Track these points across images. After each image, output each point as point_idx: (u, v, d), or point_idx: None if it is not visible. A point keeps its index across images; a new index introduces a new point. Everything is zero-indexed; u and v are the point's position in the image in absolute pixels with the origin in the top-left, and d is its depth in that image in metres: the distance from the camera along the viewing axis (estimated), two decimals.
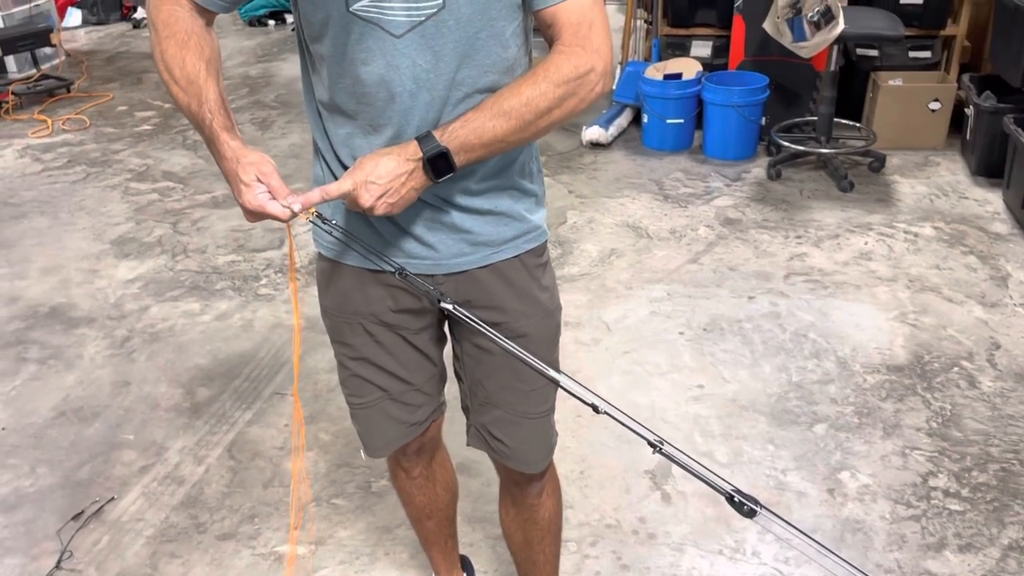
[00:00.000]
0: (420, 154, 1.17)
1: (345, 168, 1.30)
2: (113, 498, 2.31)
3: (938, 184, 3.89)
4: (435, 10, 1.16)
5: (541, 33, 1.25)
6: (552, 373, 1.14)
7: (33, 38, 5.59)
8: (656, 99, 4.26)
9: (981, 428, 2.42)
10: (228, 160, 1.21)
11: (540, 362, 1.20)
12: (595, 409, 0.90)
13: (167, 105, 5.37)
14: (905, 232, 3.49)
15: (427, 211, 1.31)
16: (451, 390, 1.59)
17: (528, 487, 1.62)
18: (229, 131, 1.23)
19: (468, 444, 1.58)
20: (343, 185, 1.19)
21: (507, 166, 1.33)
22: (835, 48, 3.78)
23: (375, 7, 1.16)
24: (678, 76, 4.26)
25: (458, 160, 1.18)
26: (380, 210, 1.19)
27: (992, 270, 3.19)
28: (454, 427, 1.71)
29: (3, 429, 2.59)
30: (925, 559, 2.02)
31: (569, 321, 2.95)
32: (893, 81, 4.13)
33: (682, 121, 4.29)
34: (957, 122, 4.14)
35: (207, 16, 1.29)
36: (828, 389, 2.59)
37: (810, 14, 3.65)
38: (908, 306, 2.99)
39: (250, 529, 2.20)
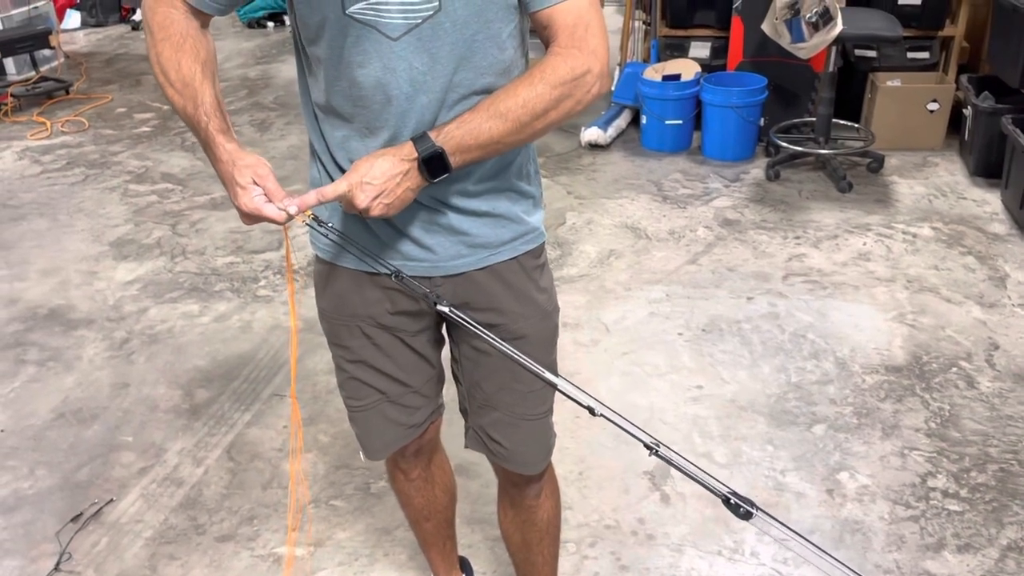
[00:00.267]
0: (415, 155, 1.17)
1: (342, 171, 1.30)
2: (112, 500, 2.31)
3: (936, 185, 3.89)
4: (431, 12, 1.16)
5: (537, 35, 1.25)
6: (548, 375, 1.14)
7: (32, 40, 5.59)
8: (655, 100, 4.26)
9: (980, 428, 2.42)
10: (224, 163, 1.21)
11: (536, 364, 1.19)
12: (591, 411, 0.90)
13: (166, 107, 5.37)
14: (904, 233, 3.49)
15: (424, 213, 1.31)
16: (449, 392, 1.59)
17: (526, 489, 1.62)
18: (225, 134, 1.23)
19: (466, 446, 1.58)
20: (339, 187, 1.18)
21: (504, 168, 1.33)
22: (833, 49, 3.78)
23: (372, 10, 1.16)
24: (677, 77, 4.26)
25: (454, 161, 1.18)
26: (376, 211, 1.18)
27: (990, 270, 3.19)
28: (452, 429, 1.71)
29: (2, 431, 2.59)
30: (924, 559, 2.02)
31: (568, 322, 2.95)
32: (891, 82, 4.14)
33: (681, 122, 4.29)
34: (955, 123, 4.14)
35: (202, 18, 1.29)
36: (827, 390, 2.60)
37: (808, 15, 3.66)
38: (907, 306, 2.99)
39: (249, 531, 2.20)
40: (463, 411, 1.57)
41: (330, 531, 2.19)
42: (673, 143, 4.34)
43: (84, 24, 7.49)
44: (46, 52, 5.92)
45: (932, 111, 4.13)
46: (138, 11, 7.51)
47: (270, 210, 1.18)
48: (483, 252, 1.36)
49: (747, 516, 0.77)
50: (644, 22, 4.94)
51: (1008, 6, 3.66)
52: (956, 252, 3.33)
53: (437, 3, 1.15)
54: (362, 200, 1.17)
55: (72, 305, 3.25)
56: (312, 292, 1.51)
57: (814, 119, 4.10)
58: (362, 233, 1.34)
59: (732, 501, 0.77)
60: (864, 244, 3.42)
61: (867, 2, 4.08)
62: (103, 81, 5.95)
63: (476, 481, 2.28)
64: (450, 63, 1.20)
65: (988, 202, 3.70)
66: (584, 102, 1.21)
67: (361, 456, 1.62)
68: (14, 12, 5.86)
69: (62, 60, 6.13)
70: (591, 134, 4.39)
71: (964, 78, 4.06)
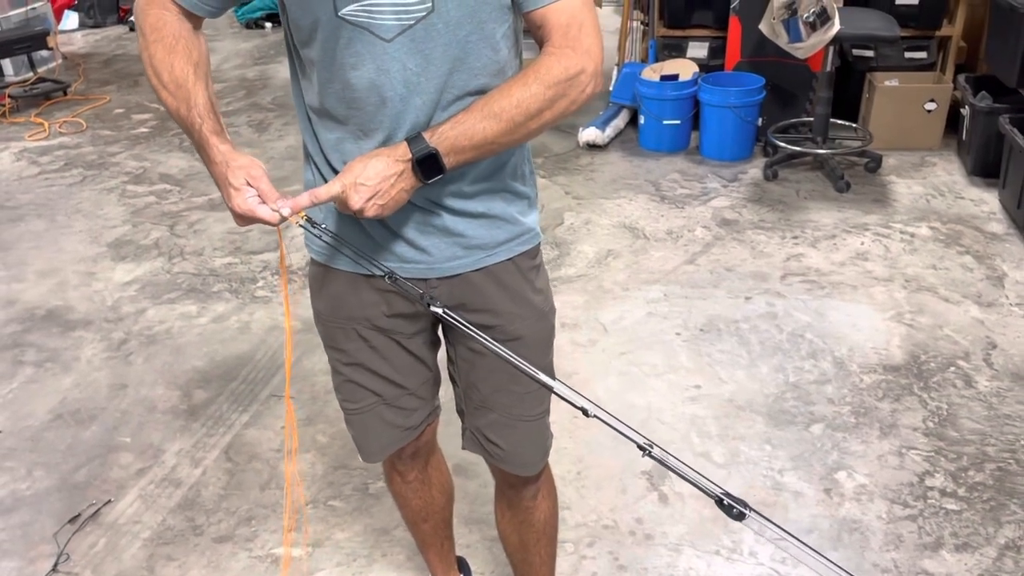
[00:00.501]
0: (409, 155, 1.17)
1: (336, 173, 1.29)
2: (110, 501, 2.31)
3: (934, 184, 3.90)
4: (424, 14, 1.15)
5: (532, 35, 1.25)
6: (542, 377, 1.13)
7: (30, 41, 5.58)
8: (653, 100, 4.26)
9: (977, 428, 2.42)
10: (218, 164, 1.21)
11: (531, 366, 1.19)
12: (585, 413, 0.89)
13: (163, 108, 5.36)
14: (901, 232, 3.50)
15: (419, 215, 1.31)
16: (446, 392, 1.59)
17: (523, 490, 1.61)
18: (219, 135, 1.22)
19: (463, 448, 1.58)
20: (332, 188, 1.18)
21: (499, 168, 1.33)
22: (831, 49, 3.78)
23: (364, 11, 1.15)
24: (675, 77, 4.26)
25: (448, 161, 1.18)
26: (370, 212, 1.18)
27: (988, 270, 3.20)
28: (450, 429, 1.71)
29: (0, 432, 2.59)
30: (922, 559, 2.03)
31: (566, 322, 2.95)
32: (889, 82, 4.14)
33: (679, 122, 4.29)
34: (953, 122, 4.15)
35: (194, 21, 1.29)
36: (825, 389, 2.60)
37: (806, 15, 3.66)
38: (904, 306, 3.00)
39: (247, 531, 2.20)
40: (460, 412, 1.57)
41: (328, 531, 2.19)
42: (671, 143, 4.34)
43: (82, 25, 7.49)
44: (44, 53, 5.92)
45: (930, 111, 4.13)
46: None
47: (263, 211, 1.18)
48: (479, 253, 1.35)
49: (740, 517, 0.77)
50: (642, 22, 4.94)
51: (1005, 6, 3.66)
52: (954, 251, 3.33)
53: (430, 4, 1.15)
54: (356, 201, 1.17)
55: (70, 306, 3.25)
56: (309, 292, 1.51)
57: (812, 119, 4.11)
58: (357, 235, 1.34)
59: (725, 502, 0.77)
60: (862, 244, 3.42)
61: (864, 2, 4.08)
62: (101, 82, 5.95)
63: (474, 481, 2.28)
64: (444, 64, 1.19)
65: (986, 201, 3.71)
66: (579, 102, 1.21)
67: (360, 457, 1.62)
68: (12, 13, 5.86)
69: (60, 61, 6.13)
70: (589, 134, 4.39)
71: (962, 78, 4.06)
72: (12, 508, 2.30)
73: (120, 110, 5.38)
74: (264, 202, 1.19)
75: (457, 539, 1.99)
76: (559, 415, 1.58)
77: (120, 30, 7.42)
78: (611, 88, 4.68)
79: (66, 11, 7.37)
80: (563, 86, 1.18)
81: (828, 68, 3.85)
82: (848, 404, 2.53)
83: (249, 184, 1.18)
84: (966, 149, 3.99)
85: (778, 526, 0.75)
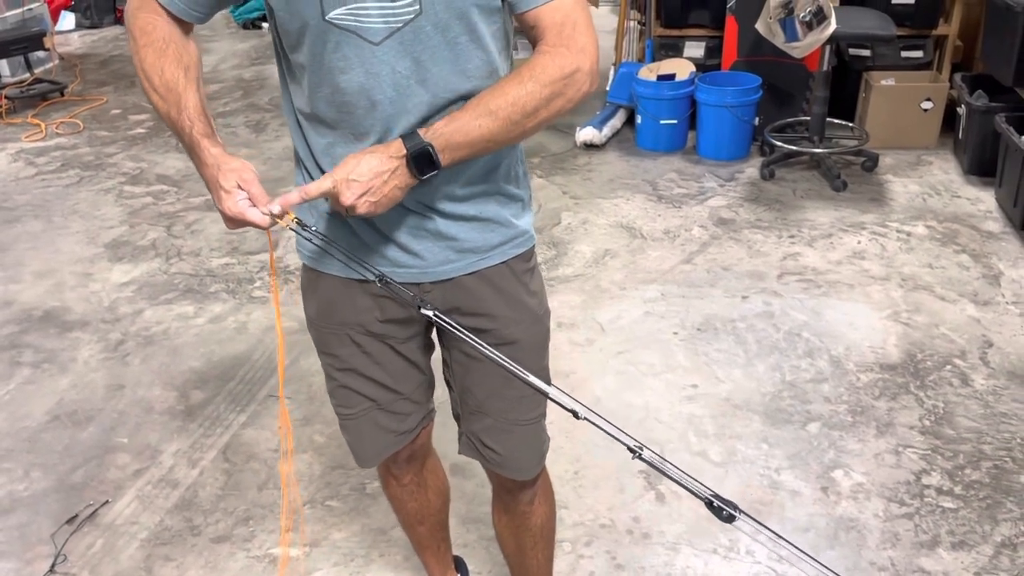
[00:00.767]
0: (404, 151, 1.15)
1: None
2: (107, 501, 2.31)
3: (930, 183, 3.90)
4: (412, 16, 1.14)
5: (525, 35, 1.24)
6: (532, 379, 1.11)
7: (26, 42, 5.58)
8: (650, 100, 4.26)
9: (974, 426, 2.43)
10: (209, 167, 1.20)
11: (524, 370, 1.16)
12: (575, 415, 0.89)
13: (155, 111, 5.36)
14: (898, 231, 3.50)
15: (411, 218, 1.30)
16: (442, 394, 1.59)
17: (520, 494, 1.60)
18: (210, 138, 1.21)
19: (460, 452, 1.57)
20: (323, 184, 1.16)
21: (492, 171, 1.32)
22: (827, 48, 3.79)
23: (351, 15, 1.14)
24: (671, 77, 4.27)
25: (443, 158, 1.16)
26: (362, 209, 1.16)
27: (984, 268, 3.20)
28: (446, 430, 1.71)
29: None
30: (919, 557, 2.03)
31: (563, 322, 2.96)
32: (885, 81, 4.15)
33: (675, 122, 4.29)
34: (949, 121, 4.15)
35: (184, 26, 1.28)
36: (822, 388, 2.60)
37: (802, 14, 3.66)
38: (901, 305, 3.00)
39: (244, 531, 2.20)
40: (456, 416, 1.57)
41: (326, 531, 2.19)
42: (668, 143, 4.34)
43: (79, 26, 7.48)
44: (40, 54, 5.92)
45: (926, 110, 4.14)
46: None
47: (254, 215, 1.17)
48: (472, 257, 1.34)
49: (730, 519, 0.77)
50: (639, 22, 4.94)
51: (1001, 5, 3.66)
52: (950, 250, 3.34)
53: (417, 7, 1.14)
54: (348, 197, 1.15)
55: (67, 307, 3.24)
56: (302, 297, 1.50)
57: (808, 118, 4.11)
58: (348, 239, 1.32)
59: (715, 504, 0.77)
60: (858, 243, 3.43)
61: (861, 1, 4.09)
62: (98, 83, 5.95)
63: (471, 481, 2.28)
64: (434, 66, 1.19)
65: (982, 200, 3.71)
66: (575, 100, 1.20)
67: None
68: (8, 14, 5.85)
69: (57, 62, 6.12)
70: (586, 134, 4.40)
71: (958, 77, 4.07)
72: (9, 509, 2.30)
73: (117, 111, 5.38)
74: (255, 205, 1.17)
75: (454, 539, 1.99)
76: (556, 415, 1.58)
77: (117, 31, 7.42)
78: (608, 88, 4.69)
79: (63, 12, 7.37)
80: (559, 84, 1.17)
81: (824, 67, 3.86)
82: (845, 403, 2.53)
83: (240, 187, 1.17)
84: (962, 148, 4.00)
85: (767, 528, 0.75)
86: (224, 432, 2.54)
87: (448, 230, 1.31)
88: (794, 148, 4.03)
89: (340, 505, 2.27)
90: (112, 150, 4.75)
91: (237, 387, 2.74)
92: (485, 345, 1.17)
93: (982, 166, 3.84)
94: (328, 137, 1.27)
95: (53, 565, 2.11)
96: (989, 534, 2.08)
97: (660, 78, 4.27)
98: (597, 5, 6.14)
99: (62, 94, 5.59)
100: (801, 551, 0.77)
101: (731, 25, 4.26)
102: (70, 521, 2.24)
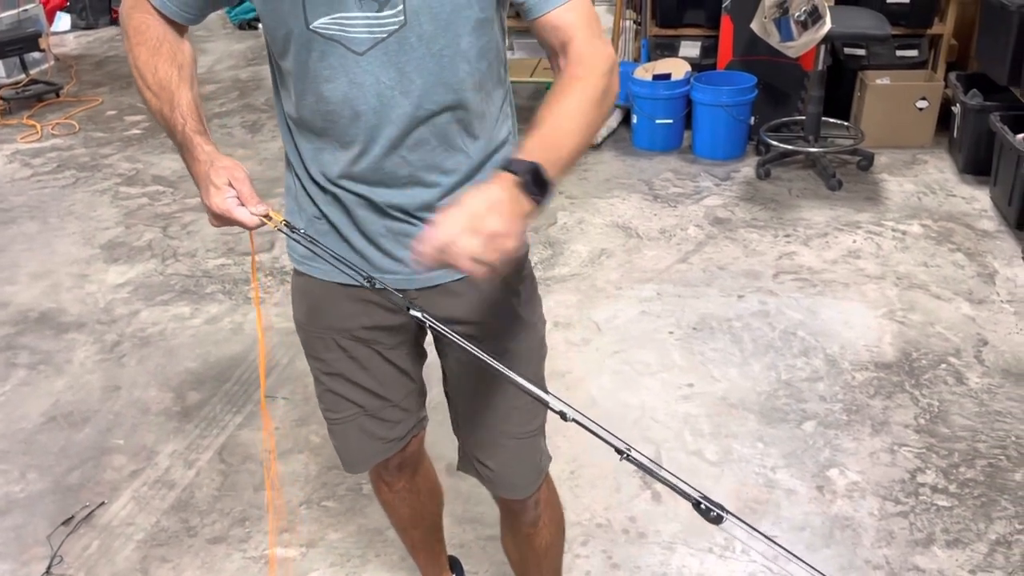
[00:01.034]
0: (514, 177, 1.01)
1: (316, 183, 1.28)
2: (103, 503, 2.31)
3: (926, 182, 3.91)
4: (397, 27, 1.13)
5: (541, 37, 1.19)
6: (511, 374, 1.06)
7: (22, 43, 5.57)
8: (645, 99, 4.27)
9: (968, 424, 2.43)
10: (202, 163, 1.19)
11: (512, 371, 1.08)
12: (563, 417, 0.88)
13: (147, 110, 5.35)
14: (893, 230, 3.51)
15: (396, 225, 1.28)
16: (434, 397, 1.59)
17: (522, 515, 1.58)
18: (203, 135, 1.21)
19: (459, 469, 1.55)
20: (438, 241, 0.97)
21: (474, 179, 1.28)
22: (822, 47, 3.80)
23: (336, 24, 1.13)
24: (667, 76, 4.27)
25: (551, 174, 1.04)
26: (492, 256, 0.97)
27: (979, 267, 3.21)
28: (442, 429, 1.71)
29: None
30: (913, 555, 2.03)
31: (559, 321, 2.96)
32: (880, 80, 4.15)
33: (671, 121, 4.30)
34: (944, 120, 4.16)
35: (178, 26, 1.28)
36: (817, 387, 2.61)
37: (797, 14, 3.67)
38: (896, 303, 3.01)
39: (241, 532, 2.20)
40: (456, 433, 1.54)
41: (322, 532, 2.19)
42: (664, 142, 4.35)
43: (74, 27, 7.47)
44: (36, 55, 5.90)
45: (921, 109, 4.15)
46: None
47: (241, 213, 1.16)
48: None
49: (718, 520, 0.77)
50: (634, 21, 4.94)
51: (996, 4, 3.67)
52: (945, 249, 3.35)
53: (402, 18, 1.12)
54: (473, 247, 0.95)
55: (63, 308, 3.24)
56: (291, 299, 1.49)
57: (804, 117, 4.12)
58: (337, 244, 1.31)
59: (702, 505, 0.78)
60: (854, 242, 3.43)
61: (856, 0, 4.09)
62: (93, 84, 5.94)
63: (467, 480, 2.25)
64: (418, 77, 1.17)
65: (977, 199, 3.72)
66: (617, 90, 1.19)
67: None
68: (3, 15, 5.84)
69: (52, 63, 6.11)
70: None
71: (953, 76, 4.07)
72: (5, 511, 2.30)
73: (113, 112, 5.37)
74: (243, 205, 1.17)
75: (450, 539, 1.99)
76: (551, 414, 1.58)
77: (112, 31, 7.41)
78: None
79: (58, 13, 7.36)
80: (609, 77, 1.15)
81: (820, 67, 3.87)
82: (840, 401, 2.54)
83: (231, 185, 1.17)
84: (957, 147, 4.00)
85: (754, 528, 0.75)
86: (220, 433, 2.54)
87: None
88: (790, 147, 4.04)
89: (336, 505, 2.27)
90: (108, 151, 4.75)
91: (233, 388, 2.74)
92: (471, 345, 1.12)
93: (977, 165, 3.85)
94: (315, 143, 1.26)
95: (49, 567, 2.11)
96: (984, 532, 2.09)
97: (656, 78, 4.27)
98: (594, 3, 6.14)
99: (58, 95, 5.58)
100: (790, 552, 0.78)
101: (726, 25, 4.26)
102: (66, 522, 2.24)
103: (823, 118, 4.04)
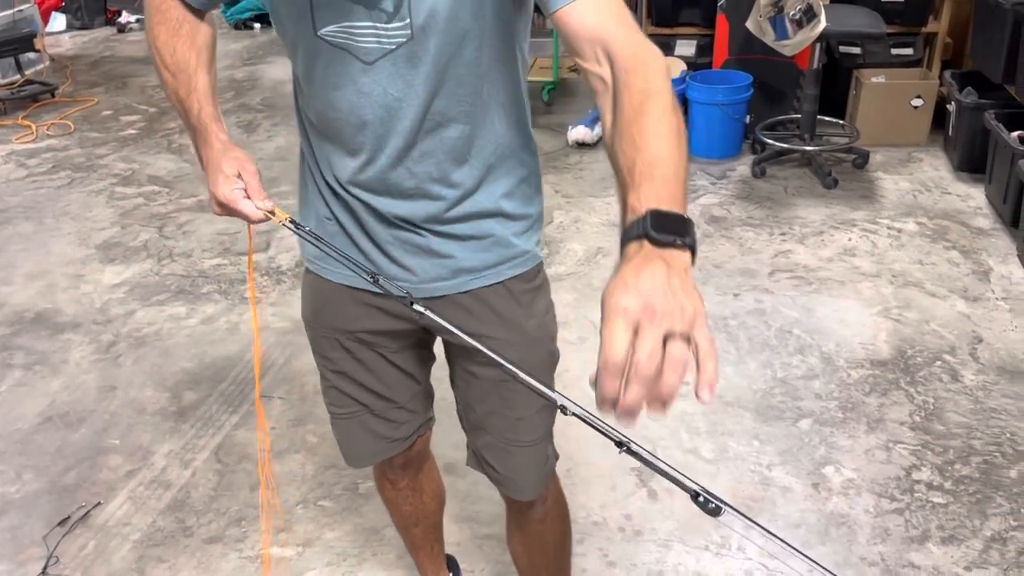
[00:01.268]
0: (670, 240, 0.79)
1: (328, 184, 1.27)
2: (99, 503, 2.30)
3: (921, 180, 3.92)
4: (404, 40, 1.11)
5: (567, 30, 1.02)
6: (524, 376, 1.02)
7: (17, 43, 5.57)
8: None
9: (964, 421, 2.44)
10: (214, 150, 1.19)
11: (518, 373, 0.96)
12: (563, 411, 0.88)
13: (152, 109, 5.36)
14: (888, 228, 3.52)
15: (402, 233, 1.27)
16: (440, 397, 1.59)
17: (529, 512, 1.58)
18: (218, 122, 1.21)
19: (467, 464, 1.55)
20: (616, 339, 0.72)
21: (483, 191, 1.26)
22: (818, 46, 3.80)
23: (343, 32, 1.11)
24: None
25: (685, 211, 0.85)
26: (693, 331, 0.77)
27: (974, 264, 3.22)
28: (442, 429, 1.71)
29: None
30: (909, 551, 2.04)
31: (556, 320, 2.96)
32: (876, 78, 4.16)
33: None
34: (939, 118, 4.17)
35: (195, 10, 1.29)
36: (813, 384, 2.61)
37: (792, 12, 3.68)
38: (891, 301, 3.01)
39: (237, 532, 2.20)
40: (464, 430, 1.53)
41: (319, 531, 2.19)
42: None
43: (69, 27, 7.46)
44: (31, 55, 5.89)
45: (916, 107, 4.15)
46: (124, 13, 7.49)
47: (245, 206, 1.16)
48: (465, 276, 1.30)
49: (716, 512, 0.77)
50: None
51: (990, 2, 3.68)
52: (940, 247, 3.35)
53: (409, 31, 1.10)
54: (657, 330, 0.73)
55: (58, 309, 3.24)
56: (297, 293, 1.50)
57: (799, 116, 4.12)
58: (345, 247, 1.31)
59: (701, 497, 0.77)
60: (849, 240, 3.44)
61: None
62: (89, 84, 5.93)
63: (464, 479, 2.28)
64: (425, 90, 1.14)
65: (972, 197, 3.73)
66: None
67: None
68: None
69: (47, 63, 6.10)
70: (578, 133, 4.40)
71: (948, 74, 4.08)
72: (1, 511, 2.30)
73: (108, 112, 5.37)
74: (249, 198, 1.17)
75: (447, 537, 1.99)
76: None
77: (108, 32, 7.40)
78: None
79: (53, 13, 7.35)
80: (668, 77, 0.99)
81: (815, 65, 3.87)
82: (835, 399, 2.54)
83: (240, 176, 1.17)
84: (952, 145, 4.01)
85: (752, 520, 0.76)
86: (216, 433, 2.54)
87: (441, 248, 1.27)
88: (785, 146, 4.04)
89: (333, 505, 2.27)
90: (103, 151, 4.74)
91: (229, 388, 2.74)
92: (474, 341, 1.08)
93: (972, 163, 3.86)
94: (327, 146, 1.25)
95: (45, 567, 2.11)
96: (979, 528, 2.09)
97: None
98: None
99: (53, 95, 5.57)
100: (788, 544, 0.78)
101: (722, 23, 4.27)
102: (62, 523, 2.24)
103: (818, 116, 4.04)
